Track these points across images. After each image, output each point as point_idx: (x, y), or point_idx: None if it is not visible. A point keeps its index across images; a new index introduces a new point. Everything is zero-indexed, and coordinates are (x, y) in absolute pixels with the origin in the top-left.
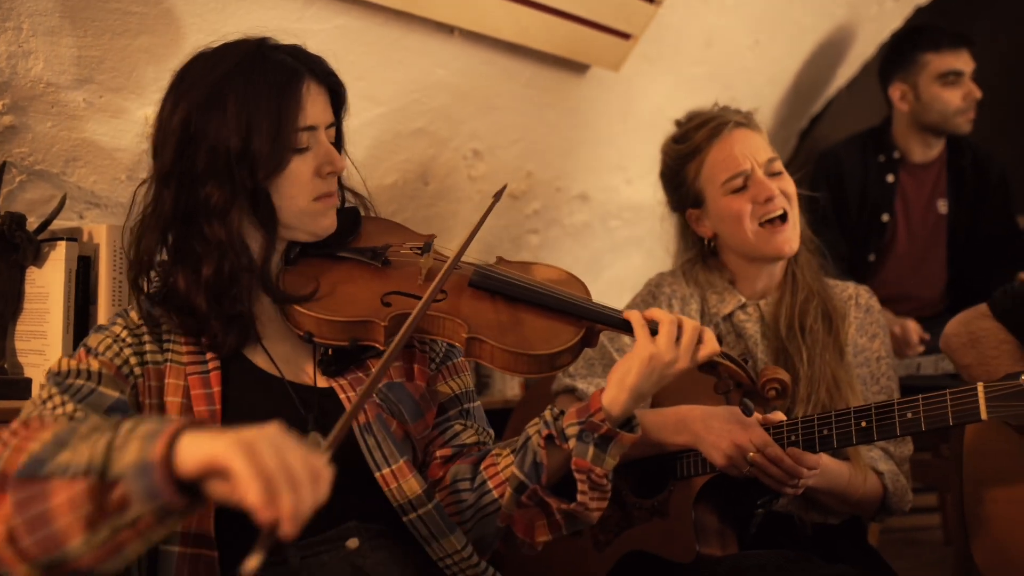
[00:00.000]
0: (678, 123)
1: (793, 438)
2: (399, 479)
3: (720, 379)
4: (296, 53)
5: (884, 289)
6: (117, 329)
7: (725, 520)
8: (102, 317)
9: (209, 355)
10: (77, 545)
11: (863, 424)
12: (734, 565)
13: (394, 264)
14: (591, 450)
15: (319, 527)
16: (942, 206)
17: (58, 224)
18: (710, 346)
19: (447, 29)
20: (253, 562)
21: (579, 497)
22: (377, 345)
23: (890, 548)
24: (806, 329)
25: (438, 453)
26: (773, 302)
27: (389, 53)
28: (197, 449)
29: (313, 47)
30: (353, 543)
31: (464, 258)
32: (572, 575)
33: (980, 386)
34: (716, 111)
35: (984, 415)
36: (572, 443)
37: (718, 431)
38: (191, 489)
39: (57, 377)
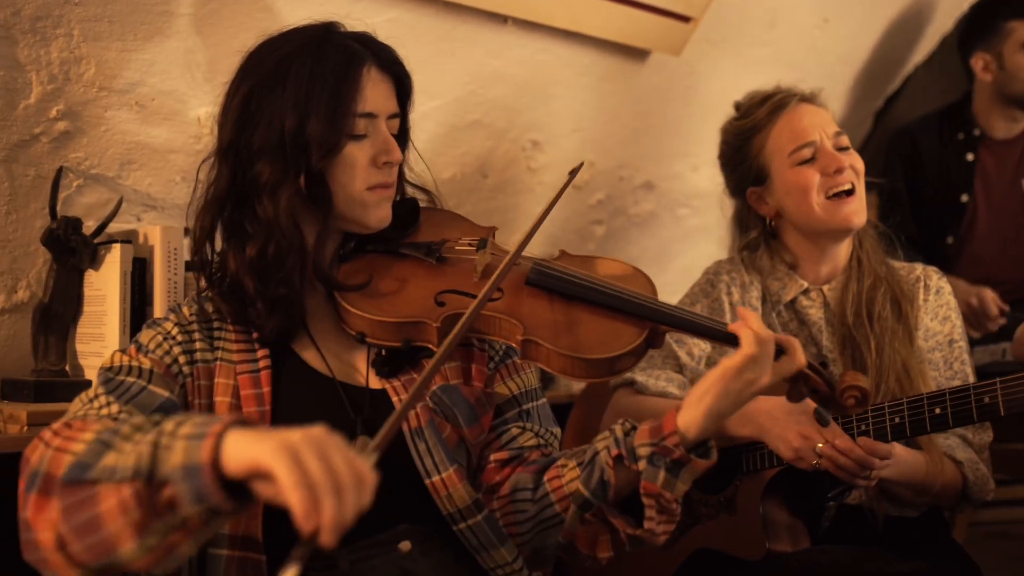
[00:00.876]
0: (738, 105)
1: (864, 427)
2: (449, 487)
3: (794, 386)
4: (362, 39)
5: (966, 272)
6: (168, 326)
7: (795, 514)
8: None
9: (260, 352)
10: (129, 550)
11: (937, 411)
12: (805, 561)
13: (449, 261)
14: (662, 475)
15: (370, 530)
16: None
17: (116, 227)
18: (796, 360)
19: (500, 19)
20: (290, 573)
21: (646, 523)
22: (430, 346)
23: (978, 542)
24: (874, 316)
25: (493, 457)
26: (838, 287)
27: (441, 45)
28: (242, 451)
29: None
30: (405, 546)
31: (525, 252)
32: (640, 574)
33: None
34: (777, 89)
35: None
36: (642, 465)
37: (784, 423)
38: (239, 488)
39: (108, 373)
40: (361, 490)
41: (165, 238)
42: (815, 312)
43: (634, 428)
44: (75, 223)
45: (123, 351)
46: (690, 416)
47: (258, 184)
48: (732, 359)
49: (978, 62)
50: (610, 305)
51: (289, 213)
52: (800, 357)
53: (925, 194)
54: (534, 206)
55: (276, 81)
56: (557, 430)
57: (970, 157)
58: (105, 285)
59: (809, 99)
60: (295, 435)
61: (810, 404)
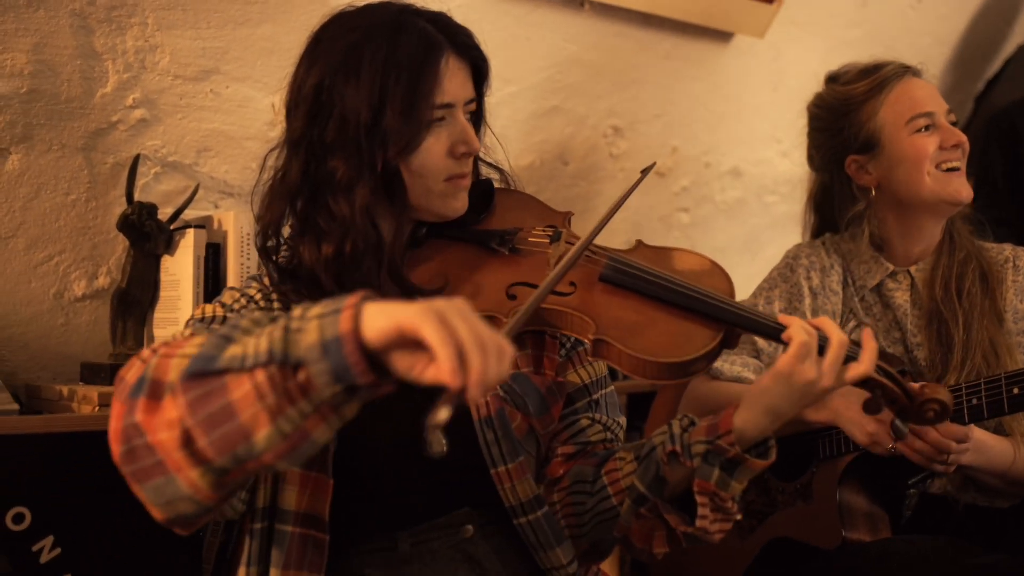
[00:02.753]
0: (835, 76)
1: None
2: (514, 479)
3: (871, 395)
4: (439, 21)
5: None
6: (251, 291)
7: (875, 502)
8: None
9: None
10: (263, 437)
11: (1016, 391)
12: (882, 551)
13: (523, 252)
14: (716, 473)
15: (433, 514)
16: None
17: (193, 214)
18: (864, 366)
19: (576, 2)
20: (442, 414)
21: (698, 521)
22: None
23: None
24: (963, 292)
25: (561, 450)
26: (927, 267)
27: (516, 30)
28: (386, 318)
29: None
30: (468, 531)
31: (600, 243)
32: (715, 564)
33: None
34: (883, 61)
35: None
36: (697, 462)
37: (859, 407)
38: (377, 365)
39: (197, 323)
40: (502, 358)
41: (238, 223)
42: (901, 295)
43: (692, 424)
44: (150, 208)
45: (210, 303)
46: (747, 415)
47: (332, 180)
48: (782, 360)
49: None
50: (686, 305)
51: (365, 211)
52: (868, 364)
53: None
54: (617, 193)
55: (349, 70)
56: (623, 419)
57: None
58: (180, 270)
59: (918, 74)
60: (438, 302)
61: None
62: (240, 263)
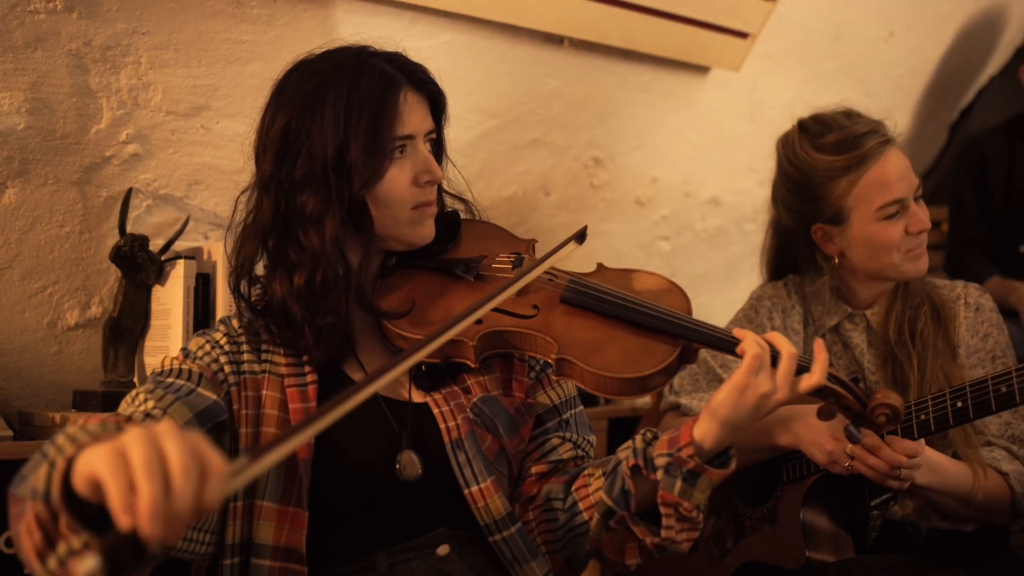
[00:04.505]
0: (810, 128)
1: (891, 427)
2: (486, 498)
3: (825, 402)
4: (396, 61)
5: None
6: (217, 336)
7: (838, 524)
8: None
9: (308, 368)
10: (40, 571)
11: (959, 404)
12: (841, 570)
13: (487, 278)
14: (678, 484)
15: (410, 534)
16: None
17: (184, 245)
18: (816, 376)
19: (556, 39)
20: (88, 563)
21: (664, 532)
22: (468, 363)
23: None
24: (916, 333)
25: (534, 469)
26: (882, 311)
27: (498, 66)
28: (83, 465)
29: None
30: (443, 550)
31: (565, 269)
32: None
33: None
34: (860, 124)
35: None
36: (660, 475)
37: (817, 428)
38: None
39: (158, 377)
40: (203, 479)
41: (227, 254)
42: (858, 336)
43: (656, 437)
44: (142, 240)
45: (174, 356)
46: (705, 427)
47: (303, 215)
48: (737, 374)
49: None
50: (643, 323)
51: (334, 241)
52: (820, 375)
53: (995, 204)
54: (599, 223)
55: (314, 111)
56: (593, 438)
57: None
58: (171, 299)
59: (892, 142)
60: (130, 432)
61: (843, 420)
62: (229, 292)
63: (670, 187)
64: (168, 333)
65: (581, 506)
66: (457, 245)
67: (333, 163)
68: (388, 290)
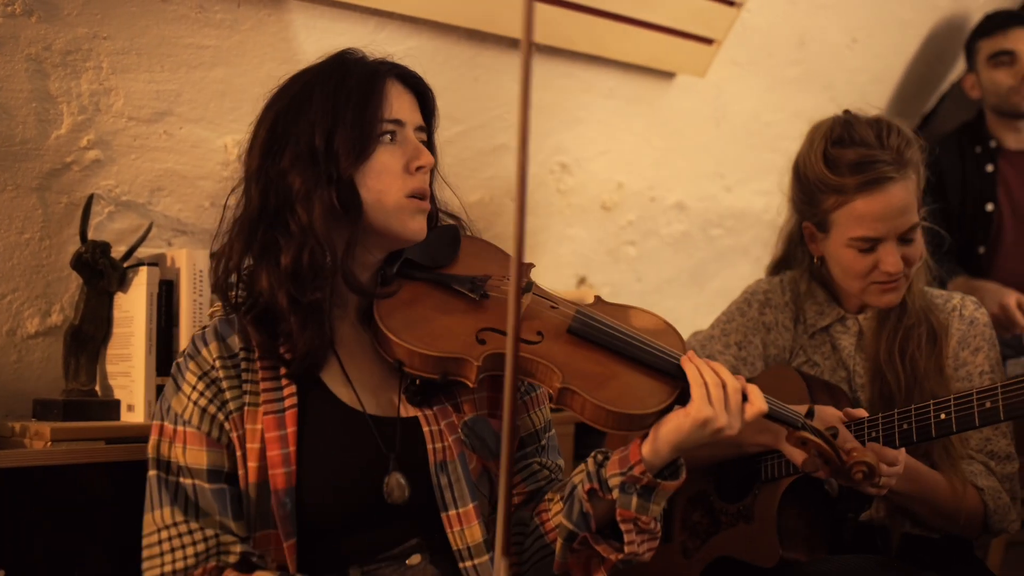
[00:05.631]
0: (836, 129)
1: (873, 434)
2: (464, 524)
3: (808, 455)
4: (383, 60)
5: (1000, 280)
6: (192, 380)
7: (814, 526)
8: (183, 339)
9: (287, 391)
10: None
11: (942, 416)
12: (815, 570)
13: (492, 299)
14: (635, 500)
15: (385, 548)
16: None
17: (147, 252)
18: (756, 405)
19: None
20: None
21: (627, 548)
22: (467, 382)
23: (1020, 563)
24: (907, 355)
25: (513, 493)
26: (874, 318)
27: (464, 71)
28: None
29: None
30: (415, 559)
31: (570, 298)
32: None
33: None
34: (882, 151)
35: None
36: (615, 494)
37: None
38: None
39: (163, 473)
40: None
41: (191, 260)
42: (847, 339)
43: (607, 458)
44: (103, 247)
45: (163, 423)
46: (654, 447)
47: (291, 195)
48: (688, 411)
49: (967, 82)
50: (647, 362)
51: (323, 219)
52: (760, 403)
53: (953, 209)
54: (564, 228)
55: (300, 103)
56: (561, 461)
57: (990, 168)
58: (133, 307)
59: (903, 169)
60: None
61: (825, 412)
62: (193, 299)
63: (636, 192)
64: (131, 341)
65: (544, 530)
66: (456, 261)
67: (322, 145)
68: (390, 299)
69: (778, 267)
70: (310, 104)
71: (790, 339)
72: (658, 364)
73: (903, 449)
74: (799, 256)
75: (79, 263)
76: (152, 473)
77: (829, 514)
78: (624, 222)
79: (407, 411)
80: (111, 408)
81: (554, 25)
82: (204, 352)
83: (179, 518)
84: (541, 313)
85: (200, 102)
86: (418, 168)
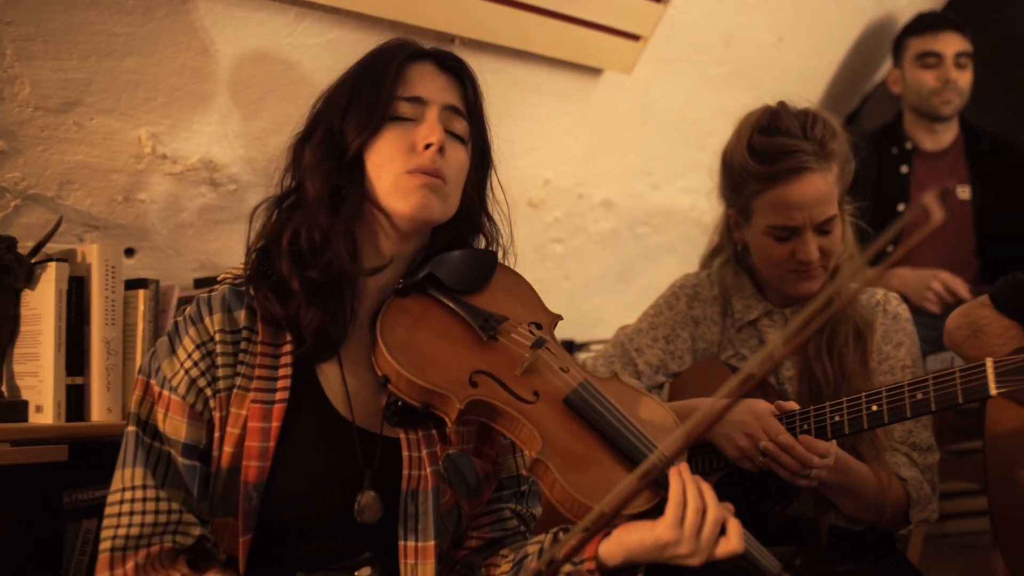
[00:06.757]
0: (765, 119)
1: (806, 427)
2: (419, 558)
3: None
4: (417, 43)
5: None
6: (189, 347)
7: (742, 518)
8: (95, 337)
9: (280, 383)
10: None
11: (874, 408)
12: (737, 564)
13: (500, 343)
14: None
15: (338, 558)
16: (963, 192)
17: (57, 247)
18: (732, 544)
19: (447, 38)
20: None
21: None
22: (447, 420)
23: (941, 554)
24: (834, 351)
25: (475, 535)
26: (801, 311)
27: None
28: None
29: (306, 62)
30: (364, 572)
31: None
32: None
33: (989, 361)
34: (804, 142)
35: (993, 390)
36: None
37: (731, 423)
38: None
39: (141, 432)
40: None
41: (103, 256)
42: (775, 333)
43: (565, 530)
44: (9, 242)
45: (148, 380)
46: (612, 550)
47: (303, 171)
48: (654, 528)
49: (891, 77)
50: (635, 459)
51: (323, 194)
52: (737, 542)
53: (868, 209)
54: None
55: (332, 96)
56: (538, 510)
57: (904, 169)
58: (41, 304)
59: (822, 162)
60: None
61: (756, 405)
62: (105, 296)
63: (563, 189)
64: (39, 339)
65: None
66: (483, 290)
67: (338, 126)
68: (399, 310)
69: (712, 256)
70: (340, 88)
71: (718, 333)
72: (647, 468)
73: (834, 441)
74: (725, 245)
75: None
76: (131, 429)
77: (757, 508)
78: (551, 219)
79: (391, 430)
80: (18, 409)
81: (480, 18)
82: (207, 320)
83: (149, 481)
84: (545, 373)
85: (112, 92)
86: (427, 146)
